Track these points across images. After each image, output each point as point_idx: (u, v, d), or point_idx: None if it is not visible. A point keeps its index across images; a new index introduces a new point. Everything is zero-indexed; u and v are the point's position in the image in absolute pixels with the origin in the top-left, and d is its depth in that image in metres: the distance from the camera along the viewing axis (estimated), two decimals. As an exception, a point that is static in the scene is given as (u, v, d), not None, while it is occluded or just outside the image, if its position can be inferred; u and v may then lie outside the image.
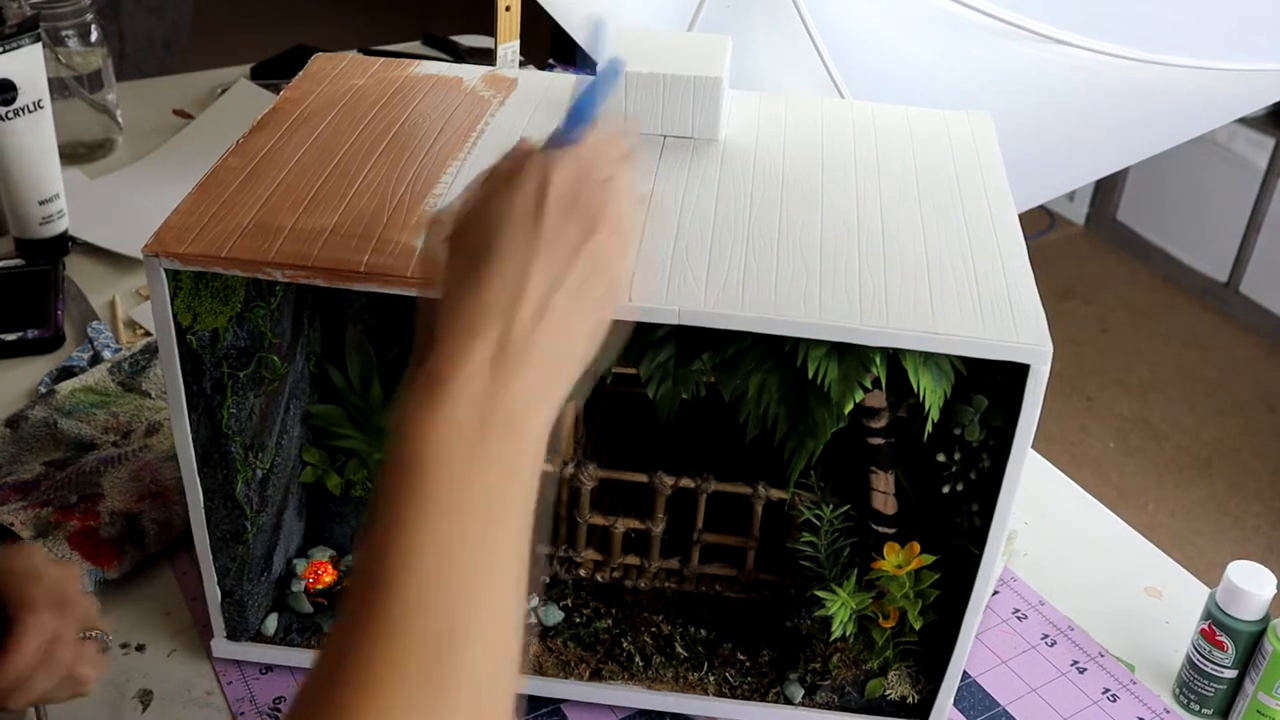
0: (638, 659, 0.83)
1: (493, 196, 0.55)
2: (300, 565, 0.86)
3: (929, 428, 0.72)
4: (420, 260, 0.64)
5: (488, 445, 0.50)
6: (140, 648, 0.85)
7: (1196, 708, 0.86)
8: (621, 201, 0.57)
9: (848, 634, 0.80)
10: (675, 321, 0.67)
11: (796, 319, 0.66)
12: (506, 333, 0.52)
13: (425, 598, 0.46)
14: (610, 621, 0.85)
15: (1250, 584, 0.81)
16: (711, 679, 0.82)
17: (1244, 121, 2.81)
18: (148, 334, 1.16)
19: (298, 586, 0.85)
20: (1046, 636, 0.91)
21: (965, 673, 0.87)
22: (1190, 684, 0.86)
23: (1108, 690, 0.87)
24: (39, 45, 1.20)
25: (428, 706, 0.44)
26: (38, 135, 1.22)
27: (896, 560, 0.78)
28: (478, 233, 0.54)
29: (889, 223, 0.75)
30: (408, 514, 0.48)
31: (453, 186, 0.75)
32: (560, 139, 0.58)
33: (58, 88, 1.39)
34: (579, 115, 0.58)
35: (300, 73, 0.89)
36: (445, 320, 0.53)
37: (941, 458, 0.77)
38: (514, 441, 0.51)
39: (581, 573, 0.87)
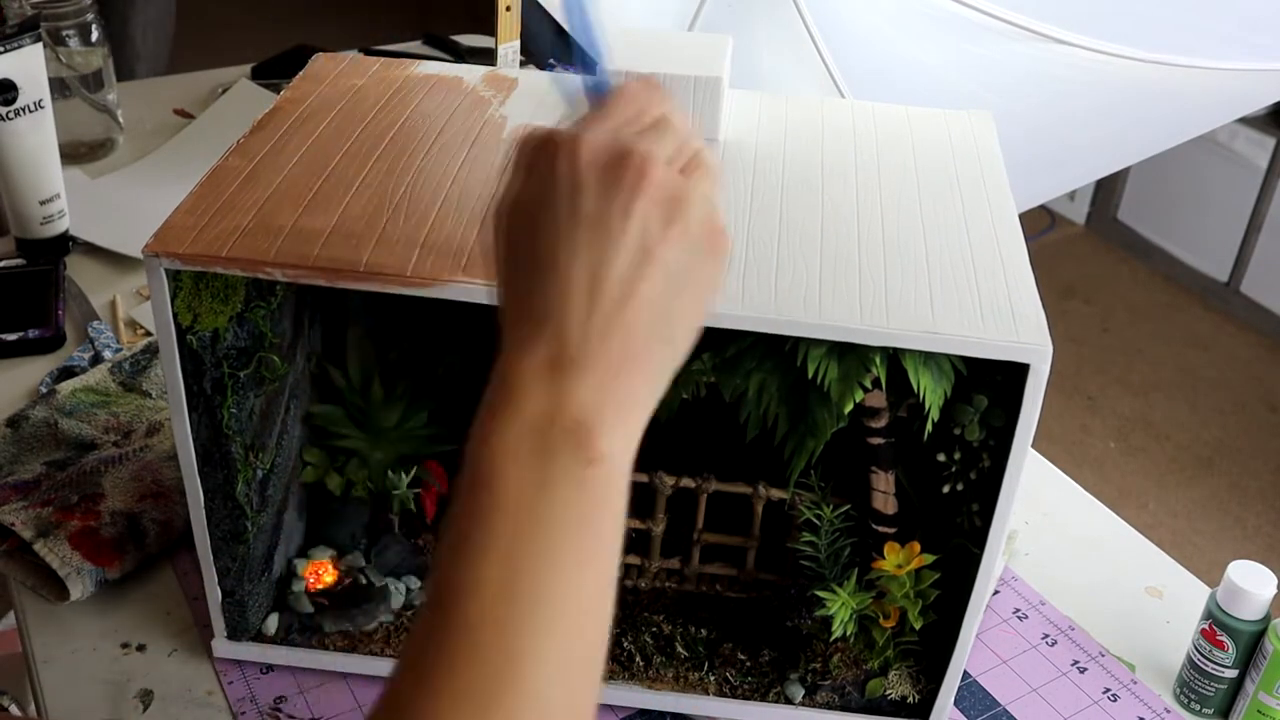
0: (638, 659, 0.83)
1: (527, 179, 0.49)
2: (301, 565, 0.86)
3: (929, 427, 0.72)
4: (481, 256, 0.60)
5: (552, 461, 0.45)
6: (141, 648, 0.85)
7: (1197, 707, 0.86)
8: (673, 144, 0.50)
9: (848, 634, 0.80)
10: (675, 321, 0.67)
11: (797, 319, 0.66)
12: (559, 336, 0.46)
13: (487, 625, 0.43)
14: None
15: (1251, 584, 0.81)
16: (712, 679, 0.82)
17: (1244, 121, 2.81)
18: (148, 334, 1.16)
19: (298, 586, 0.85)
20: (1047, 636, 0.91)
21: (966, 672, 0.87)
22: (1191, 684, 0.86)
23: (1108, 690, 0.87)
24: (40, 45, 1.20)
25: None
26: (38, 135, 1.22)
27: (897, 560, 0.78)
28: (517, 224, 0.49)
29: (889, 222, 0.75)
30: (471, 534, 0.45)
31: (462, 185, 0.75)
32: (585, 96, 0.53)
33: (58, 87, 1.39)
34: (590, 75, 0.53)
35: (301, 73, 0.89)
36: (503, 325, 0.49)
37: (942, 457, 0.77)
38: (583, 453, 0.46)
39: (582, 572, 0.87)
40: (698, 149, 0.52)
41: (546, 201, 0.48)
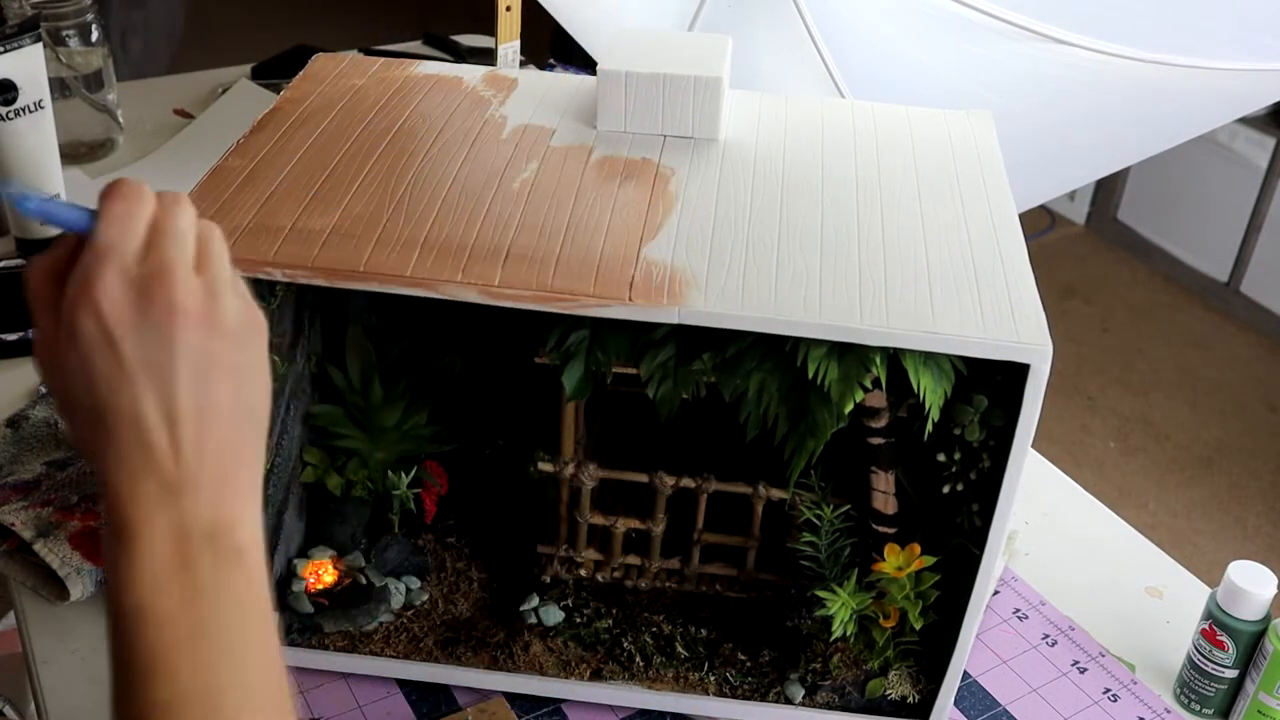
0: (638, 659, 0.83)
1: (56, 331, 0.50)
2: (301, 565, 0.86)
3: (929, 428, 0.72)
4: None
5: (199, 572, 0.49)
6: (141, 648, 0.85)
7: (1197, 708, 0.86)
8: (178, 246, 0.51)
9: (848, 634, 0.80)
10: (675, 321, 0.67)
11: (797, 319, 0.66)
12: (158, 469, 0.49)
13: None
14: (611, 621, 0.85)
15: (1251, 584, 0.81)
16: (712, 679, 0.82)
17: (1244, 121, 2.81)
18: (148, 334, 1.16)
19: (298, 586, 0.85)
20: (1047, 636, 0.91)
21: (966, 673, 0.87)
22: (1191, 684, 0.86)
23: (1108, 690, 0.87)
24: (40, 45, 1.20)
25: None
26: (39, 135, 1.22)
27: (897, 560, 0.78)
28: (66, 380, 0.50)
29: (889, 222, 0.75)
30: (151, 666, 0.48)
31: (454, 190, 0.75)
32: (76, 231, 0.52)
33: (58, 87, 1.39)
34: (61, 218, 0.52)
35: (301, 73, 0.89)
36: (98, 473, 0.50)
37: (942, 458, 0.77)
38: (226, 553, 0.50)
39: (582, 573, 0.87)
40: (201, 232, 0.53)
41: (87, 358, 0.49)
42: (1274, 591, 0.82)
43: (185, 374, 0.50)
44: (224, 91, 1.60)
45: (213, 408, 0.50)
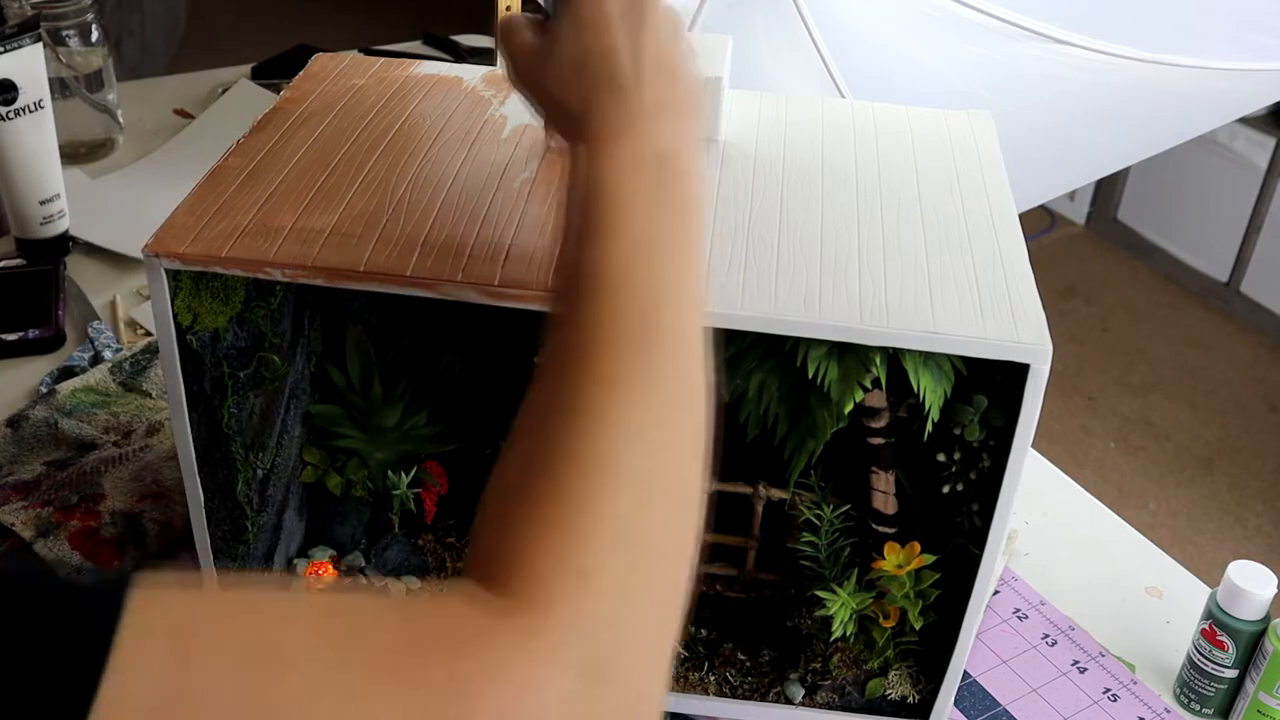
0: (638, 659, 0.82)
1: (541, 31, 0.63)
2: (301, 565, 0.86)
3: (929, 428, 0.72)
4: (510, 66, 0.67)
5: (662, 173, 0.58)
6: (141, 647, 0.85)
7: (1197, 707, 0.86)
8: None
9: (848, 634, 0.80)
10: (675, 321, 0.67)
11: (796, 319, 0.66)
12: (622, 103, 0.59)
13: (624, 282, 0.53)
14: (611, 621, 0.85)
15: (1251, 584, 0.81)
16: (712, 679, 0.82)
17: (1244, 121, 2.81)
18: (148, 334, 1.16)
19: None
20: (1047, 636, 0.91)
21: (966, 672, 0.87)
22: (1191, 684, 0.86)
23: (1108, 690, 0.87)
24: (40, 45, 1.20)
25: (643, 362, 0.51)
26: (38, 135, 1.22)
27: (897, 560, 0.78)
28: (559, 47, 0.62)
29: (889, 222, 0.75)
30: (601, 227, 0.55)
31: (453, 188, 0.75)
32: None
33: (58, 87, 1.39)
34: None
35: (301, 73, 0.89)
36: (576, 123, 0.61)
37: (942, 457, 0.77)
38: (679, 172, 0.59)
39: (582, 572, 0.87)
40: None
41: (579, 15, 0.62)
42: (1274, 591, 0.82)
43: (650, 32, 0.61)
44: (224, 91, 1.60)
45: (667, 66, 0.61)
